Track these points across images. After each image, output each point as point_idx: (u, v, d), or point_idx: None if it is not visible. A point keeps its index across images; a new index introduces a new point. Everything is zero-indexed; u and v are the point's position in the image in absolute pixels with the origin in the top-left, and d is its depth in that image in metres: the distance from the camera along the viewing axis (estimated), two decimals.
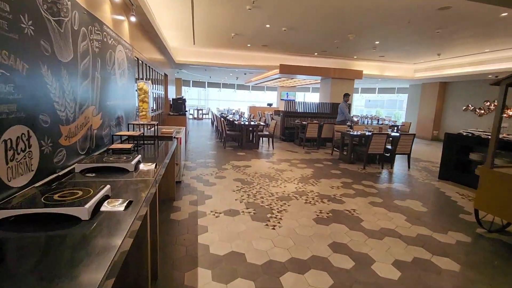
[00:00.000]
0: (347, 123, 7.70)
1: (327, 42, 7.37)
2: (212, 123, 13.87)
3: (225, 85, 18.80)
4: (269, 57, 9.46)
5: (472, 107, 10.31)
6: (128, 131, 2.80)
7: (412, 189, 4.59)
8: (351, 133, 6.29)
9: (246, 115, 15.41)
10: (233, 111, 15.80)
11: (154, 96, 6.12)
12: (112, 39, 2.51)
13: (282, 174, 5.10)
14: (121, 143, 2.52)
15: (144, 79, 4.77)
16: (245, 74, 11.66)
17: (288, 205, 3.55)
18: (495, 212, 2.76)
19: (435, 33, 5.95)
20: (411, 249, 2.60)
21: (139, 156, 2.03)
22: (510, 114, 9.00)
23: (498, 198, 2.70)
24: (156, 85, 6.17)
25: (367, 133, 6.24)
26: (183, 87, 18.62)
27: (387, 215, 3.41)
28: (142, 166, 1.93)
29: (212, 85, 18.49)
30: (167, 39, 7.48)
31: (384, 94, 17.50)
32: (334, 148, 7.52)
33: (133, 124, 2.92)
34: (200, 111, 17.72)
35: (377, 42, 7.00)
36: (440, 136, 11.70)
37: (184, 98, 8.78)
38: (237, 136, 7.78)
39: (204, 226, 2.82)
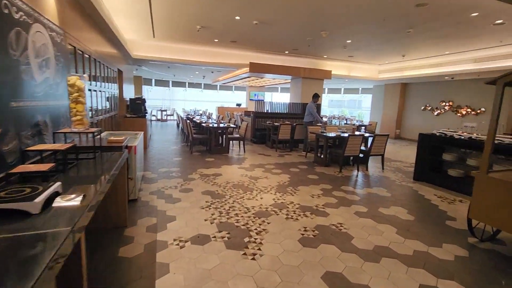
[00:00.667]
0: (316, 124, 7.47)
1: (299, 39, 7.05)
2: (178, 125, 12.90)
3: (191, 85, 17.81)
4: (238, 54, 8.91)
5: (430, 107, 10.83)
6: (54, 142, 2.07)
7: (393, 193, 4.39)
8: (326, 134, 6.01)
9: (214, 116, 14.68)
10: (200, 112, 14.96)
11: (107, 95, 5.23)
12: (21, 13, 1.77)
13: (257, 183, 4.59)
14: (37, 163, 1.79)
15: (90, 75, 3.92)
16: (212, 72, 10.97)
17: (268, 223, 3.04)
18: (494, 222, 2.54)
19: (406, 33, 5.91)
20: (413, 272, 2.25)
21: (58, 183, 1.36)
22: (463, 113, 9.57)
23: (496, 207, 2.48)
24: (107, 83, 5.27)
25: (342, 135, 6.01)
26: (144, 86, 17.24)
27: (377, 228, 3.08)
28: (59, 202, 1.27)
29: (177, 84, 17.39)
30: (120, 29, 6.54)
31: (348, 94, 17.96)
32: (309, 151, 7.22)
33: (62, 132, 2.17)
34: (164, 112, 16.54)
35: (348, 41, 6.84)
36: (402, 134, 12.18)
37: (143, 98, 7.86)
38: (205, 140, 7.10)
39: (165, 264, 2.18)
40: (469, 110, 9.36)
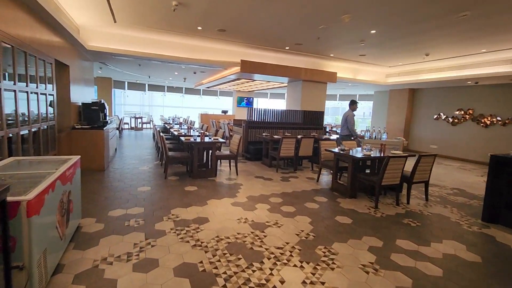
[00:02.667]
0: (355, 138, 5.94)
1: (308, 28, 5.48)
2: (154, 136, 10.90)
3: (171, 89, 15.85)
4: (226, 50, 7.22)
5: (445, 116, 9.64)
6: None
7: (479, 251, 2.82)
8: (354, 154, 4.40)
9: (197, 125, 12.81)
10: (181, 119, 13.08)
11: (29, 98, 3.35)
12: None
13: (265, 238, 2.87)
14: None
15: None
16: (194, 73, 9.19)
17: None
18: None
19: (459, 19, 4.47)
20: None
21: None
22: (488, 123, 8.41)
23: None
24: (32, 82, 3.38)
25: (372, 154, 4.44)
26: (117, 90, 15.09)
27: None
28: None
29: (154, 88, 15.36)
30: (64, 7, 4.67)
31: (343, 101, 16.75)
32: (322, 172, 5.59)
33: None
34: (139, 120, 14.44)
35: (373, 31, 5.35)
36: (410, 146, 10.93)
37: (102, 102, 5.95)
38: (185, 159, 5.30)
39: None
40: (494, 119, 8.19)
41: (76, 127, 5.16)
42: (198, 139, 5.28)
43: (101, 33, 5.97)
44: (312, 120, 8.34)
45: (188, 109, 17.74)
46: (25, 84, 3.29)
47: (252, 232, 3.00)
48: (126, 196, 4.01)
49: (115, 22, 5.45)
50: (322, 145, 5.32)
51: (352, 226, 3.33)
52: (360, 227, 3.31)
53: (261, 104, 17.81)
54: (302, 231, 3.11)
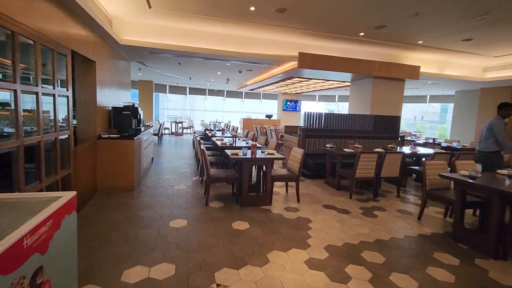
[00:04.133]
0: (501, 154, 4.12)
1: (401, 1, 3.86)
2: (194, 143, 10.00)
3: (212, 92, 15.08)
4: (281, 42, 5.87)
5: None
6: None
7: None
8: (503, 184, 2.66)
9: (239, 130, 11.70)
10: (221, 124, 12.14)
11: (45, 100, 2.35)
12: None
13: None
14: None
15: None
16: (239, 72, 8.04)
17: None
18: None
19: None
20: None
21: None
22: None
23: None
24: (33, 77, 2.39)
25: None
26: (160, 94, 14.80)
27: None
28: None
29: (195, 91, 14.73)
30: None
31: (407, 103, 14.31)
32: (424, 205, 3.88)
33: None
34: (180, 125, 13.86)
35: None
36: None
37: (134, 106, 5.00)
38: (231, 180, 4.02)
39: None
40: None
41: (103, 136, 4.22)
42: (248, 154, 3.96)
43: (135, 25, 5.06)
44: (385, 127, 6.56)
45: (229, 113, 16.88)
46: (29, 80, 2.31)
47: None
48: (153, 236, 2.83)
49: (150, 7, 4.45)
50: (429, 167, 3.62)
51: None
52: None
53: (309, 107, 16.16)
54: None
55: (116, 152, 4.24)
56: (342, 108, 16.59)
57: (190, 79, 10.50)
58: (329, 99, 15.20)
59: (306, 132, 6.03)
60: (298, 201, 4.19)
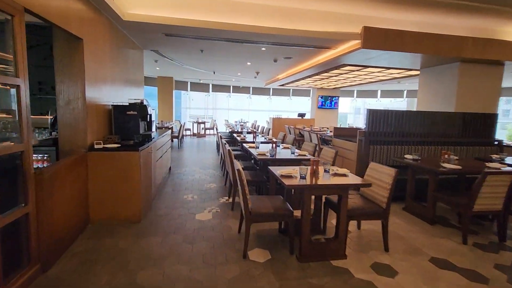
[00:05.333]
0: None
1: None
2: (218, 146, 8.66)
3: (237, 89, 13.74)
4: (337, 14, 4.29)
5: None
6: None
7: None
8: None
9: (271, 135, 10.22)
10: (249, 125, 10.81)
11: None
12: None
13: None
14: None
15: None
16: (275, 61, 6.55)
17: None
18: None
19: None
20: None
21: None
22: None
23: None
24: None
25: None
26: (181, 92, 13.73)
27: None
28: None
29: (219, 88, 13.47)
30: None
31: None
32: None
33: None
34: (202, 125, 12.69)
35: None
36: None
37: (143, 103, 3.71)
38: (281, 215, 2.57)
39: None
40: None
41: (96, 147, 2.95)
42: (307, 175, 2.47)
43: None
44: (476, 128, 4.79)
45: (255, 112, 15.50)
46: None
47: None
48: None
49: None
50: None
51: None
52: None
53: (345, 105, 14.30)
54: None
55: (115, 170, 2.96)
56: (389, 104, 14.47)
57: (214, 73, 9.19)
58: (369, 95, 13.27)
59: (370, 136, 4.44)
60: (387, 249, 2.66)
